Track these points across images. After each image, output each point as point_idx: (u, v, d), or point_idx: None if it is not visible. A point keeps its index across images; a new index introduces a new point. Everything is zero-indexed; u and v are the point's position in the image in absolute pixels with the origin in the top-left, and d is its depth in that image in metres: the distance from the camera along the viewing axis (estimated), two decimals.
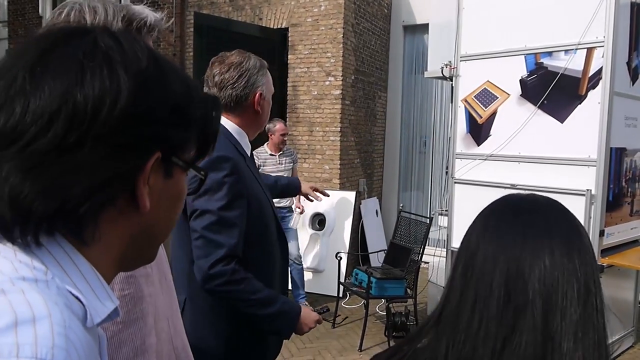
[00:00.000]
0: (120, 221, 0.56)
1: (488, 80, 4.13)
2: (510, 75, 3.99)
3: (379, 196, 7.00)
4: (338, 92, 6.02)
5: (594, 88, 3.61)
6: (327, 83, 6.08)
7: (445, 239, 4.50)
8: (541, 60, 3.85)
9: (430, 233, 4.68)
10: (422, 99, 7.05)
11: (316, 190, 2.38)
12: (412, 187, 7.21)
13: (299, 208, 5.06)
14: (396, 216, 5.30)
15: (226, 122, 1.67)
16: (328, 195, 2.52)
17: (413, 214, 5.18)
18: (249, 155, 1.74)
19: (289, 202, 4.96)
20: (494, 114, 4.11)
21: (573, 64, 3.69)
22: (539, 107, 3.84)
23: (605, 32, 3.54)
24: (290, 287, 4.75)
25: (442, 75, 4.53)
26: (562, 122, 3.75)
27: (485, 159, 4.14)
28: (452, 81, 4.44)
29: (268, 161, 4.94)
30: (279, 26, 6.35)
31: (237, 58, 1.68)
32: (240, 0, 6.60)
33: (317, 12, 6.08)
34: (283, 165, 4.97)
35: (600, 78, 3.58)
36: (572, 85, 3.70)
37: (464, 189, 4.29)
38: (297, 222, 5.01)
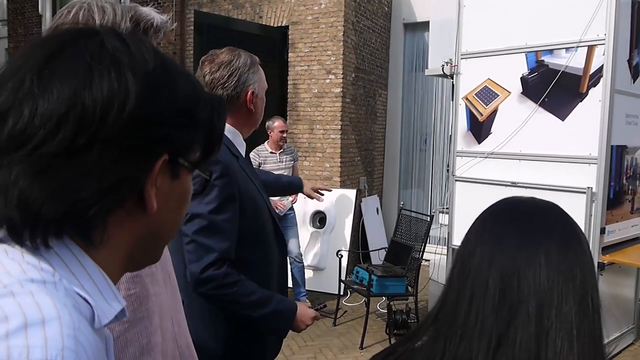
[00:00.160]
0: (128, 223, 0.56)
1: (489, 78, 4.13)
2: (511, 73, 3.99)
3: (379, 194, 7.01)
4: (338, 90, 6.02)
5: (594, 86, 3.61)
6: (328, 81, 6.08)
7: (446, 237, 4.51)
8: (542, 58, 3.85)
9: (431, 231, 4.68)
10: (422, 97, 7.05)
11: (317, 189, 2.37)
12: (413, 184, 7.21)
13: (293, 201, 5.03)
14: (397, 214, 5.31)
15: None
16: (330, 191, 2.51)
17: (414, 211, 5.18)
18: (243, 154, 1.72)
19: (291, 199, 4.96)
20: (494, 112, 4.11)
21: (574, 61, 3.69)
22: (539, 105, 3.84)
23: (606, 30, 3.54)
24: (291, 285, 4.77)
25: (442, 73, 4.52)
26: (563, 120, 3.76)
27: (486, 157, 4.14)
28: (452, 79, 4.44)
29: (268, 159, 4.94)
30: (279, 24, 6.35)
31: (227, 56, 1.65)
32: None
33: (318, 10, 6.08)
34: (284, 163, 4.97)
35: (601, 76, 3.58)
36: (573, 83, 3.70)
37: (465, 187, 4.29)
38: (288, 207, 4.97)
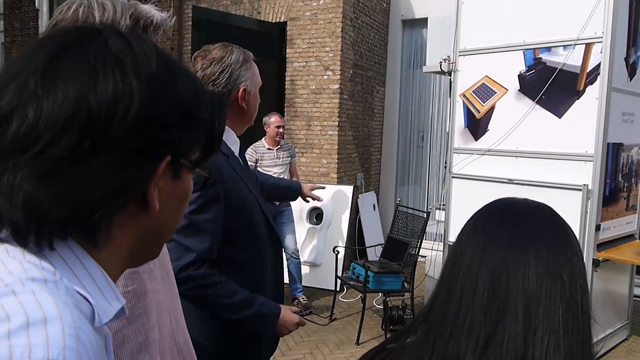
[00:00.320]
0: (130, 223, 0.56)
1: (486, 75, 4.14)
2: (508, 70, 4.00)
3: (376, 190, 7.02)
4: (336, 86, 6.01)
5: (592, 83, 3.63)
6: (325, 77, 6.07)
7: (443, 233, 4.52)
8: (540, 56, 3.86)
9: (427, 227, 4.69)
10: (420, 94, 7.05)
11: (314, 188, 2.36)
12: (410, 181, 7.22)
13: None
14: (393, 210, 5.32)
15: None
16: (324, 188, 2.51)
17: (410, 208, 5.20)
18: (237, 152, 1.70)
19: None
20: (492, 109, 4.12)
21: (571, 59, 3.70)
22: (537, 102, 3.85)
23: (604, 28, 3.55)
24: (287, 281, 4.78)
25: (440, 70, 4.53)
26: (559, 118, 3.77)
27: (482, 154, 4.16)
28: (450, 76, 4.45)
29: (265, 155, 4.93)
30: (277, 20, 6.34)
31: (219, 53, 1.62)
32: None
33: (316, 6, 6.07)
34: (281, 160, 4.97)
35: (598, 74, 3.59)
36: (570, 80, 3.71)
37: (462, 184, 4.31)
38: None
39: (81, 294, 0.52)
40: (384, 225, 6.49)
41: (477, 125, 4.22)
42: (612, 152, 3.79)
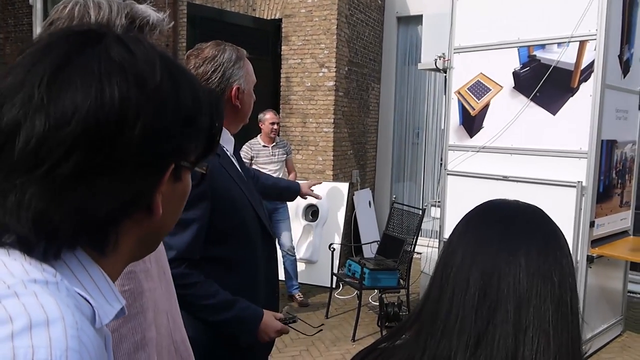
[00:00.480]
0: (133, 229, 0.57)
1: (481, 73, 4.15)
2: (503, 67, 4.01)
3: (371, 187, 7.03)
4: (331, 83, 6.01)
5: (586, 81, 3.64)
6: (321, 74, 6.07)
7: (438, 230, 4.54)
8: (534, 53, 3.87)
9: (422, 224, 4.71)
10: (415, 91, 7.06)
11: (312, 186, 2.36)
12: (405, 178, 7.24)
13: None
14: (389, 207, 5.33)
15: None
16: (320, 183, 2.51)
17: (406, 205, 5.21)
18: (231, 150, 1.69)
19: None
20: (486, 106, 4.13)
21: (566, 56, 3.71)
22: (531, 100, 3.87)
23: (598, 26, 3.56)
24: (283, 278, 4.79)
25: (435, 67, 4.54)
26: (554, 115, 3.78)
27: (477, 151, 4.17)
28: (445, 73, 4.46)
29: (261, 153, 4.93)
30: (272, 17, 6.33)
31: (211, 51, 1.61)
32: None
33: (311, 3, 6.06)
34: (276, 157, 4.97)
35: (592, 71, 3.61)
36: (565, 77, 3.73)
37: (457, 181, 4.32)
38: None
39: (82, 295, 0.52)
40: (379, 222, 6.51)
41: (472, 123, 4.23)
42: (606, 149, 3.81)
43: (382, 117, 7.18)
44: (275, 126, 4.94)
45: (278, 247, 4.72)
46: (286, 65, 6.26)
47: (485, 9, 4.14)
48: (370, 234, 6.23)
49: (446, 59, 4.41)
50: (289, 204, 5.13)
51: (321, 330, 2.62)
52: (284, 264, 4.89)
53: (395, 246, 4.70)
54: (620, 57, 3.87)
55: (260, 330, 1.60)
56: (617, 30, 3.77)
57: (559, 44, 3.74)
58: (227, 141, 1.67)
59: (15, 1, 8.45)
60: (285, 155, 5.05)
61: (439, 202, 4.60)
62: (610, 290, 4.33)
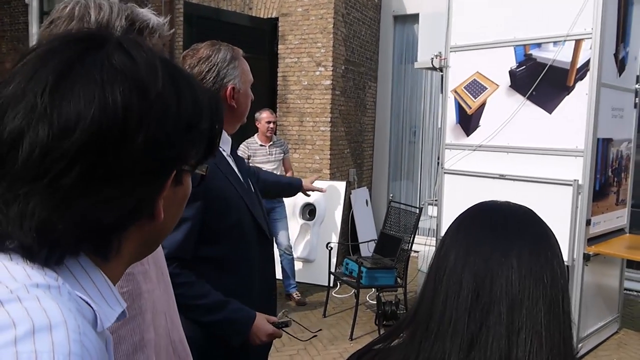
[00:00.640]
0: (135, 233, 0.57)
1: (477, 71, 4.16)
2: (499, 66, 4.02)
3: (369, 186, 7.04)
4: (328, 82, 6.02)
5: (581, 79, 3.65)
6: (318, 73, 6.07)
7: (435, 228, 4.55)
8: (530, 52, 3.88)
9: (420, 222, 4.72)
10: (412, 89, 7.07)
11: (313, 181, 2.33)
12: (402, 176, 7.25)
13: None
14: (386, 206, 5.34)
15: None
16: (320, 176, 2.51)
17: (403, 203, 5.21)
18: (228, 150, 1.68)
19: None
20: (483, 105, 4.14)
21: (561, 55, 3.72)
22: (527, 98, 3.88)
23: (593, 24, 3.57)
24: (280, 277, 4.79)
25: (432, 66, 4.54)
26: (550, 113, 3.79)
27: (474, 150, 4.18)
28: (442, 72, 4.46)
29: (258, 152, 4.93)
30: (269, 16, 6.32)
31: (206, 51, 1.61)
32: None
33: (308, 2, 6.06)
34: (273, 156, 4.97)
35: (588, 69, 3.62)
36: (561, 76, 3.74)
37: (454, 179, 4.33)
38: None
39: (83, 299, 0.52)
40: (376, 221, 6.52)
41: (468, 121, 4.24)
42: (602, 147, 3.82)
43: (378, 116, 7.18)
44: (272, 125, 4.93)
45: (275, 246, 4.72)
46: (283, 64, 6.26)
47: (481, 8, 4.14)
48: (367, 232, 6.24)
49: (442, 57, 4.41)
50: (286, 203, 5.13)
51: (316, 336, 2.60)
52: (281, 263, 4.90)
53: (393, 245, 4.71)
54: (615, 55, 3.88)
55: (252, 333, 1.60)
56: (613, 29, 3.79)
57: (554, 42, 3.75)
58: (224, 141, 1.67)
59: (11, 0, 8.42)
60: (282, 154, 5.06)
61: (436, 200, 4.61)
62: (607, 288, 4.35)
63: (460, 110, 4.29)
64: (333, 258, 4.90)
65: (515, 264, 0.73)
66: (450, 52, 4.31)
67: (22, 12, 8.34)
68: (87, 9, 0.89)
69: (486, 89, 4.12)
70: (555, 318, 0.72)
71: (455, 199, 4.28)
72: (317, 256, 5.57)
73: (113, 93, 0.50)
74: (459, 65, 4.28)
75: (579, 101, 3.66)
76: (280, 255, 4.88)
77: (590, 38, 3.59)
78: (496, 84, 4.06)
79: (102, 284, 0.55)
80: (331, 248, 4.79)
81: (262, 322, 1.62)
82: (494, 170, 4.03)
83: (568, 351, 0.73)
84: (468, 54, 4.21)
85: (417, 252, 5.13)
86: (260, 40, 6.24)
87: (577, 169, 3.68)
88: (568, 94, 3.71)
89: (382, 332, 4.26)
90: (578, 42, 3.65)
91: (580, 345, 3.87)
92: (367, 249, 5.45)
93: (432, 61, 4.50)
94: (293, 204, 5.66)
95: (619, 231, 4.26)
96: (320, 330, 3.45)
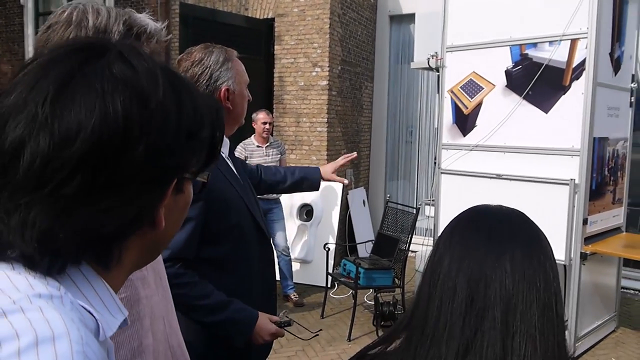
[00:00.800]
0: (136, 242, 0.57)
1: (474, 71, 4.16)
2: (495, 66, 4.03)
3: (366, 186, 7.04)
4: (325, 82, 6.01)
5: (577, 79, 3.66)
6: (314, 74, 6.07)
7: (432, 228, 4.55)
8: (526, 52, 3.89)
9: (417, 222, 4.72)
10: (408, 89, 7.07)
11: (336, 169, 2.18)
12: (399, 176, 7.25)
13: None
14: (383, 206, 5.34)
15: None
16: (354, 155, 2.30)
17: (400, 204, 5.22)
18: (226, 152, 1.69)
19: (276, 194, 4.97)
20: (479, 105, 4.15)
21: (557, 55, 3.73)
22: (523, 98, 3.88)
23: (589, 24, 3.58)
24: (278, 278, 4.78)
25: (428, 66, 4.54)
26: (546, 113, 3.80)
27: (471, 150, 4.18)
28: (438, 72, 4.46)
29: (255, 153, 4.93)
30: (265, 16, 6.32)
31: (199, 54, 1.62)
32: None
33: (304, 3, 6.06)
34: (270, 157, 4.97)
35: (584, 69, 3.63)
36: (556, 76, 3.74)
37: (450, 179, 4.33)
38: None
39: (86, 308, 0.52)
40: (374, 221, 6.52)
41: (465, 121, 4.24)
42: (598, 146, 3.83)
43: (375, 116, 7.19)
44: (268, 126, 4.93)
45: (273, 247, 4.71)
46: (279, 64, 6.26)
47: (477, 7, 4.15)
48: (364, 233, 6.24)
49: (439, 57, 4.41)
50: (283, 204, 5.13)
51: (317, 334, 2.60)
52: (278, 264, 4.89)
53: (390, 245, 4.71)
54: (611, 55, 3.89)
55: (255, 333, 1.61)
56: (608, 29, 3.80)
57: (550, 42, 3.76)
58: (223, 144, 1.67)
59: (7, 1, 8.39)
60: (279, 155, 5.06)
61: (433, 200, 4.61)
62: (604, 287, 4.36)
63: (456, 110, 4.29)
64: (330, 259, 4.90)
65: (509, 268, 0.73)
66: (447, 52, 4.32)
67: (17, 14, 8.32)
68: (85, 14, 0.88)
69: (482, 88, 4.12)
70: (549, 322, 0.73)
71: (452, 199, 4.28)
72: (314, 257, 5.57)
73: (114, 102, 0.50)
74: (455, 65, 4.28)
75: (575, 100, 3.66)
76: (278, 257, 4.87)
77: (586, 38, 3.60)
78: (492, 84, 4.06)
79: (104, 292, 0.55)
80: (329, 249, 4.79)
81: (265, 321, 1.63)
82: (491, 170, 4.03)
83: (562, 354, 0.73)
84: (464, 54, 4.22)
85: (415, 252, 5.14)
86: (256, 41, 6.23)
87: (574, 168, 3.69)
88: (564, 94, 3.72)
89: (380, 332, 4.27)
90: (574, 42, 3.66)
91: (578, 344, 3.88)
92: (364, 250, 5.45)
93: (428, 61, 4.50)
94: (290, 205, 5.66)
95: (616, 230, 4.27)
96: (321, 330, 3.46)
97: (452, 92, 4.31)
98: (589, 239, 3.83)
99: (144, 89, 0.53)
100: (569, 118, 3.69)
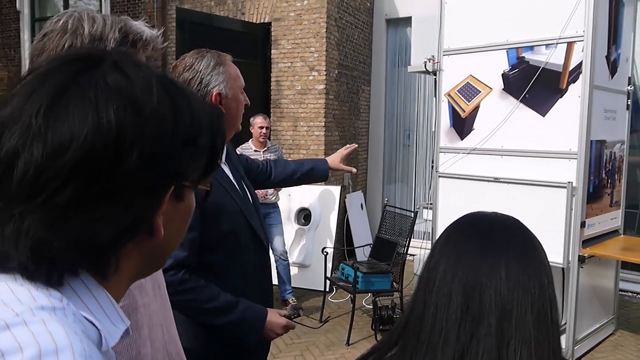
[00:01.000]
0: (135, 250, 0.57)
1: (471, 75, 4.17)
2: (492, 69, 4.03)
3: (363, 190, 7.04)
4: (322, 86, 6.02)
5: (574, 82, 3.67)
6: (311, 78, 6.07)
7: (430, 232, 4.55)
8: (523, 55, 3.90)
9: (415, 226, 4.72)
10: (405, 93, 7.08)
11: (343, 158, 2.19)
12: (397, 180, 7.25)
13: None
14: (381, 210, 5.33)
15: None
16: (356, 145, 2.31)
17: (398, 207, 5.22)
18: (222, 159, 1.67)
19: (274, 197, 4.96)
20: (476, 108, 4.15)
21: (554, 58, 3.74)
22: (520, 101, 3.89)
23: (585, 27, 3.59)
24: (276, 283, 4.77)
25: (425, 69, 4.55)
26: (543, 116, 3.81)
27: (468, 153, 4.19)
28: (435, 75, 4.47)
29: (252, 157, 4.91)
30: (261, 21, 6.32)
31: (190, 59, 1.62)
32: None
33: (300, 7, 6.06)
34: None
35: (581, 72, 3.63)
36: (553, 79, 3.75)
37: (448, 183, 4.33)
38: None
39: (88, 319, 0.52)
40: (372, 225, 6.51)
41: (462, 125, 4.25)
42: (596, 149, 3.84)
43: (372, 120, 7.19)
44: (264, 130, 4.93)
45: (270, 251, 4.71)
46: (276, 69, 6.26)
47: (473, 11, 4.16)
48: (362, 237, 6.23)
49: (436, 61, 4.42)
50: (281, 208, 5.13)
51: (327, 321, 2.61)
52: (276, 269, 4.88)
53: (388, 249, 4.70)
54: (607, 57, 3.90)
55: (266, 329, 1.62)
56: (604, 31, 3.81)
57: (547, 45, 3.77)
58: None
59: (2, 7, 8.39)
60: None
61: (430, 204, 4.61)
62: (602, 290, 4.36)
63: (454, 113, 4.30)
64: (329, 263, 4.89)
65: (504, 275, 0.73)
66: (443, 55, 4.32)
67: (13, 19, 8.31)
68: (81, 21, 0.88)
69: (479, 92, 4.13)
70: (544, 328, 0.73)
71: (450, 202, 4.28)
72: (312, 261, 5.56)
73: (107, 111, 0.51)
74: (452, 69, 4.29)
75: (572, 103, 3.67)
76: (276, 261, 4.86)
77: (582, 40, 3.61)
78: (489, 87, 4.07)
79: (106, 302, 0.55)
80: (327, 253, 4.78)
81: (275, 316, 1.65)
82: (488, 173, 4.04)
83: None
84: (461, 57, 4.22)
85: (413, 255, 5.13)
86: (253, 45, 6.23)
87: (571, 171, 3.69)
88: (561, 97, 3.73)
89: (379, 336, 4.25)
90: (570, 45, 3.67)
91: (576, 347, 3.88)
92: (362, 254, 5.45)
93: (425, 65, 4.51)
94: (288, 209, 5.66)
95: (614, 232, 4.28)
96: (329, 317, 3.43)
97: (449, 95, 4.31)
98: (586, 242, 3.83)
99: (138, 97, 0.53)
100: (566, 121, 3.69)
